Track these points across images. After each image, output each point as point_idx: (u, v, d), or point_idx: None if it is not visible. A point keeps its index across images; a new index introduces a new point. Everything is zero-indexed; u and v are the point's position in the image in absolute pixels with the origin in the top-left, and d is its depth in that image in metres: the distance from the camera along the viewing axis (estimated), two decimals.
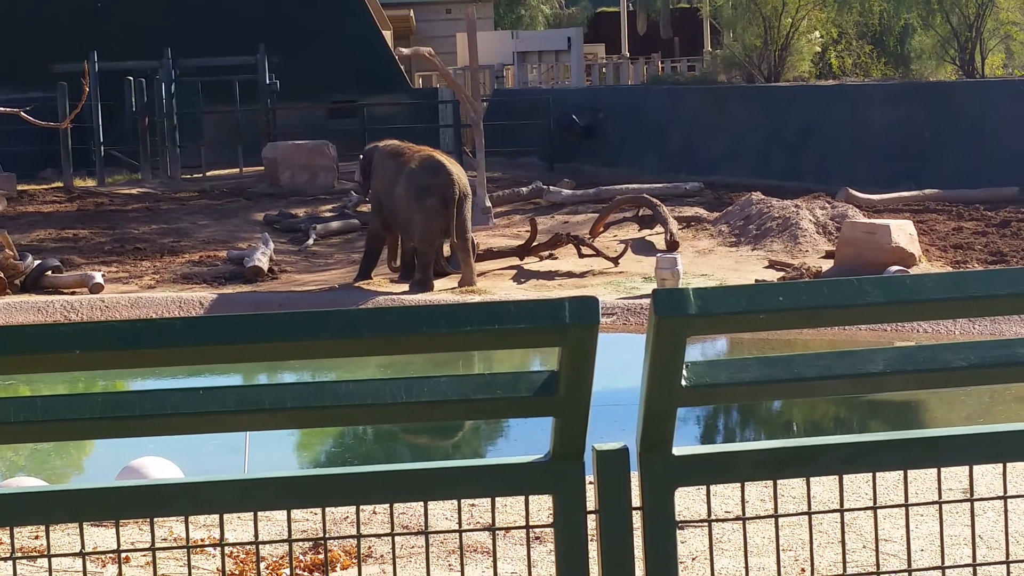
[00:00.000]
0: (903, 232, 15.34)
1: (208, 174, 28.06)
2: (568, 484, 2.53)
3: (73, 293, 15.54)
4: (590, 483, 2.54)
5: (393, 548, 2.64)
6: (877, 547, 2.54)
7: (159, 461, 7.46)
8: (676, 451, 2.51)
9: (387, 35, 34.16)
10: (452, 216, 15.01)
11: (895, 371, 2.39)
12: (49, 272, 15.89)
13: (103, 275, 16.01)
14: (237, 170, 28.24)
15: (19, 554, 2.95)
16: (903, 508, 2.59)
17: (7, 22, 30.81)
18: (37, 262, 16.02)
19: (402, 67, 32.65)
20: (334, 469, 2.69)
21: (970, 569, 2.63)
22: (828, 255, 16.11)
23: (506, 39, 37.62)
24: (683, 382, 2.39)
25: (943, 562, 2.46)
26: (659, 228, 17.74)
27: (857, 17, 30.47)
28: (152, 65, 28.41)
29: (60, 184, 26.36)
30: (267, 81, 28.84)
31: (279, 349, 2.40)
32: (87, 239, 19.57)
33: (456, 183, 15.11)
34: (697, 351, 12.83)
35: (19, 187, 25.01)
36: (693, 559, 5.65)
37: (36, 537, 6.04)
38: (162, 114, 28.02)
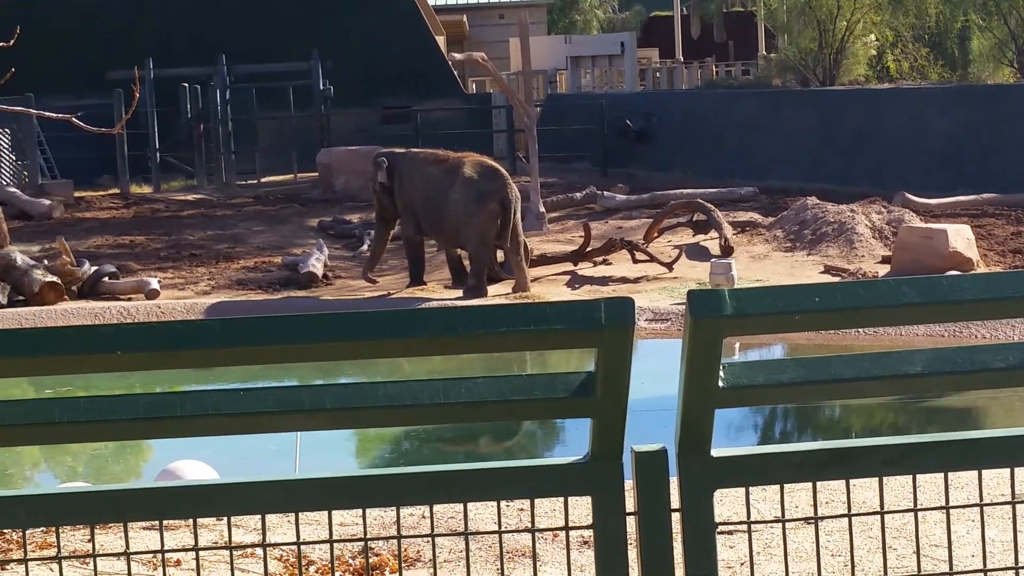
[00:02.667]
0: (960, 236, 15.23)
1: (263, 180, 28.23)
2: (607, 486, 2.53)
3: (129, 299, 15.67)
4: (629, 486, 2.54)
5: (433, 550, 2.65)
6: (918, 550, 2.53)
7: (196, 464, 7.50)
8: (715, 453, 2.50)
9: (440, 40, 34.26)
10: (509, 220, 15.08)
11: (933, 372, 2.38)
12: (106, 278, 16.03)
13: (159, 281, 16.15)
14: (291, 176, 28.41)
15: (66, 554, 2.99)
16: (944, 511, 2.57)
17: (64, 31, 31.10)
18: (94, 268, 16.16)
19: (455, 72, 32.72)
20: (374, 470, 2.71)
21: (1012, 573, 2.61)
22: (884, 260, 16.01)
23: (559, 44, 37.62)
24: (720, 383, 2.39)
25: (984, 565, 2.44)
26: (713, 233, 17.69)
27: (913, 20, 30.26)
28: (207, 72, 28.61)
29: (117, 190, 26.60)
30: (321, 87, 28.98)
31: (317, 350, 2.41)
32: (143, 245, 19.73)
33: (512, 187, 15.22)
34: (756, 356, 12.79)
35: (76, 194, 25.28)
36: (742, 564, 5.62)
37: (88, 540, 6.10)
38: (217, 120, 28.21)
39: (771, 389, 2.41)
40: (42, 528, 4.68)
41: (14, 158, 26.79)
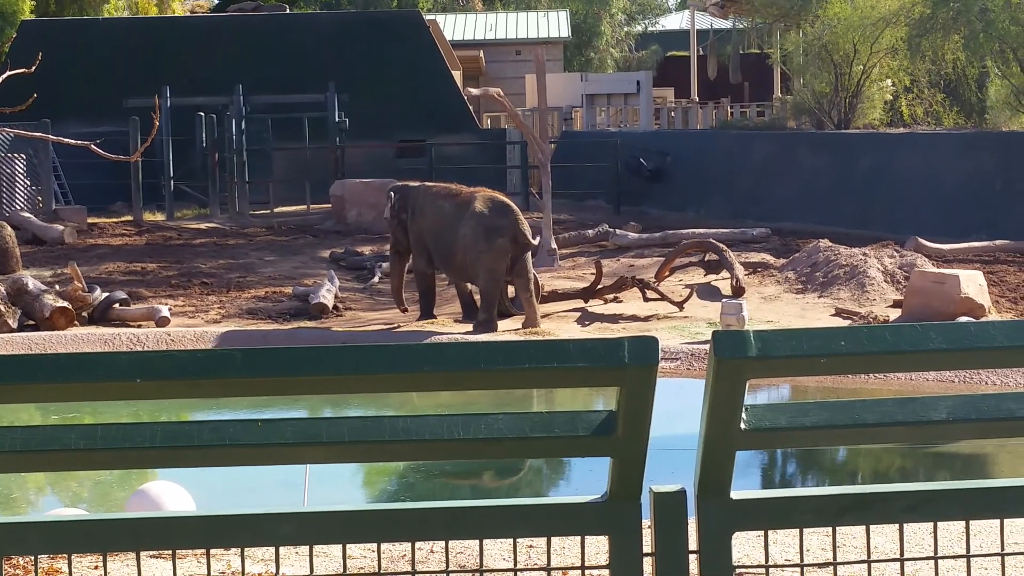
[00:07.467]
0: (972, 283, 15.18)
1: (276, 210, 28.28)
2: (625, 526, 2.51)
3: (140, 326, 15.66)
4: (647, 526, 2.52)
5: None
6: None
7: (170, 486, 7.46)
8: (734, 495, 2.48)
9: (457, 75, 34.34)
10: (520, 256, 15.06)
11: (958, 419, 2.36)
12: (116, 305, 16.02)
13: (169, 309, 16.13)
14: (305, 207, 28.47)
15: None
16: (965, 559, 2.55)
17: (82, 58, 31.22)
18: (105, 295, 16.16)
19: (471, 107, 32.80)
20: (392, 505, 2.68)
21: None
22: (896, 304, 15.96)
23: (575, 81, 37.72)
24: (742, 425, 2.37)
25: None
26: (725, 273, 17.67)
27: (930, 65, 30.26)
28: (223, 101, 28.72)
29: (130, 217, 26.66)
30: (336, 119, 29.06)
31: (338, 383, 2.40)
32: (155, 273, 19.74)
33: (523, 222, 15.21)
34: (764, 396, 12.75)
35: (89, 220, 25.35)
36: None
37: (96, 568, 6.07)
38: (232, 150, 28.28)
39: (793, 432, 2.39)
40: (48, 555, 4.66)
41: (28, 183, 26.87)
